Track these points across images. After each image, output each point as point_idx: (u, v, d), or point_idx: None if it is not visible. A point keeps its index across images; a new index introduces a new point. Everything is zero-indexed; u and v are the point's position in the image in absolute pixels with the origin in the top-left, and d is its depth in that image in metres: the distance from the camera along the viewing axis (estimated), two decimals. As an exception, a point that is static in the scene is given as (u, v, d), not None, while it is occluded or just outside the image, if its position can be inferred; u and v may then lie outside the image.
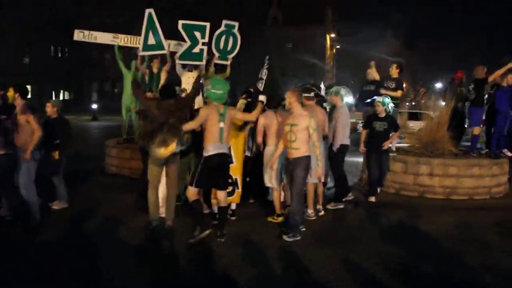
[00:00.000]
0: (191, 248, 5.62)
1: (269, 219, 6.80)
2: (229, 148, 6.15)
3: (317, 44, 47.41)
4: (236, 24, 8.87)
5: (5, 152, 6.07)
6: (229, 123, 5.84)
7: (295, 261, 5.28)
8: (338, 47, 55.57)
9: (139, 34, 8.78)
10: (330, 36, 52.62)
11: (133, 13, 35.22)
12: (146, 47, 8.70)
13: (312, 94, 7.04)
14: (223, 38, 8.80)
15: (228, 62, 8.80)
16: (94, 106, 31.82)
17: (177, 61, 8.58)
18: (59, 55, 44.97)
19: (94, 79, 47.06)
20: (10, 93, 6.32)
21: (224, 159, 5.84)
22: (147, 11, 8.72)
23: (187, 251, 5.51)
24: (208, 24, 8.57)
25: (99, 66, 44.52)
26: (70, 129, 7.54)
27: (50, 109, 7.18)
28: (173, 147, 5.73)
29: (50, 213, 6.97)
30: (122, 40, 9.44)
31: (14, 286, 4.54)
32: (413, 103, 29.57)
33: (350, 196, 8.03)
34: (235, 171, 6.54)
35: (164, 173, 6.17)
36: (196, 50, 8.47)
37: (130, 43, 9.47)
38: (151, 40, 8.67)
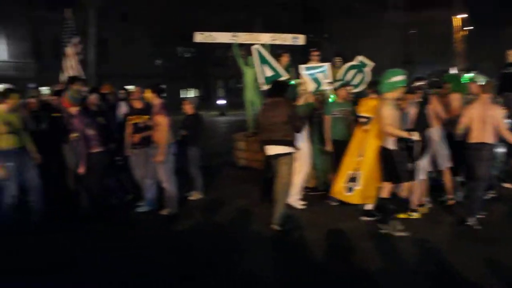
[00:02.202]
0: (325, 240, 5.64)
1: (401, 215, 6.28)
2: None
3: (444, 27, 44.41)
4: (370, 63, 8.83)
5: (101, 150, 6.44)
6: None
7: (434, 258, 5.04)
8: (468, 28, 51.54)
9: (259, 31, 9.03)
10: (458, 18, 48.94)
11: (252, 10, 36.33)
12: (267, 79, 8.94)
13: (422, 83, 6.63)
14: (353, 71, 8.85)
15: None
16: (221, 102, 33.21)
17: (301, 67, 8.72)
18: (187, 56, 47.78)
19: (219, 76, 49.15)
20: (148, 94, 6.68)
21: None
22: (254, 48, 9.01)
23: (319, 242, 5.52)
24: (328, 64, 8.60)
25: (223, 64, 46.45)
26: (204, 124, 7.96)
27: (187, 107, 7.67)
28: (276, 149, 5.89)
29: (187, 203, 7.43)
30: (241, 38, 9.80)
31: (155, 270, 4.90)
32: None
33: (492, 193, 7.34)
34: (361, 164, 6.36)
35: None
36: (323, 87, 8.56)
37: (249, 40, 9.78)
38: (268, 72, 8.92)
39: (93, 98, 7.13)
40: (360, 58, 8.90)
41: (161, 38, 39.44)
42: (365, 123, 6.36)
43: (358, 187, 6.37)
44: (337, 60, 9.19)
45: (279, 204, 6.05)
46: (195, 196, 7.72)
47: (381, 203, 5.95)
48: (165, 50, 44.90)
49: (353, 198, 6.43)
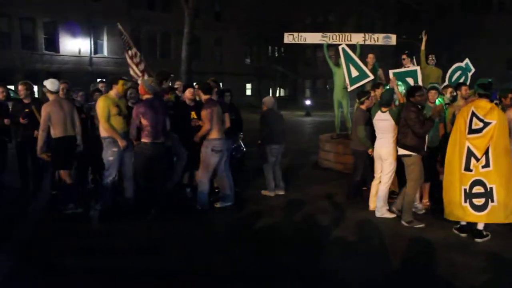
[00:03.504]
0: (409, 248, 5.41)
1: None
2: None
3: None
4: (472, 69, 8.91)
5: (152, 141, 6.27)
6: None
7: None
8: None
9: (350, 31, 8.96)
10: None
11: (343, 9, 35.79)
12: (352, 80, 8.94)
13: None
14: (458, 73, 8.90)
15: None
16: (307, 102, 33.11)
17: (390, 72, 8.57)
18: (276, 55, 48.21)
19: (307, 76, 49.07)
20: (197, 91, 6.97)
21: None
22: (340, 48, 8.98)
23: (403, 251, 5.30)
24: (418, 68, 8.38)
25: (312, 64, 46.37)
26: (272, 122, 7.78)
27: (263, 105, 7.74)
28: (399, 151, 6.05)
29: (267, 201, 7.43)
30: (331, 38, 9.74)
31: (230, 266, 4.93)
32: None
33: None
34: (491, 177, 5.39)
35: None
36: None
37: (339, 40, 9.68)
38: (355, 72, 8.87)
39: (189, 93, 7.26)
40: (467, 61, 8.94)
41: (252, 37, 40.17)
42: (480, 129, 5.42)
43: (494, 203, 5.37)
44: (430, 58, 8.91)
45: (407, 202, 6.13)
46: (271, 193, 7.71)
47: None
48: (255, 49, 45.74)
49: (490, 217, 5.44)
